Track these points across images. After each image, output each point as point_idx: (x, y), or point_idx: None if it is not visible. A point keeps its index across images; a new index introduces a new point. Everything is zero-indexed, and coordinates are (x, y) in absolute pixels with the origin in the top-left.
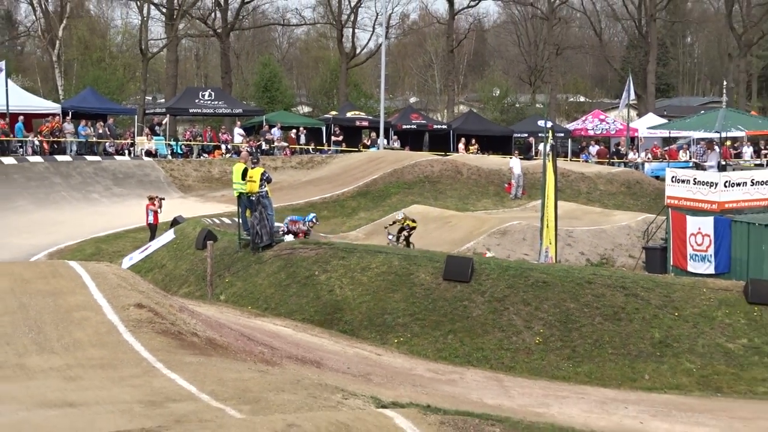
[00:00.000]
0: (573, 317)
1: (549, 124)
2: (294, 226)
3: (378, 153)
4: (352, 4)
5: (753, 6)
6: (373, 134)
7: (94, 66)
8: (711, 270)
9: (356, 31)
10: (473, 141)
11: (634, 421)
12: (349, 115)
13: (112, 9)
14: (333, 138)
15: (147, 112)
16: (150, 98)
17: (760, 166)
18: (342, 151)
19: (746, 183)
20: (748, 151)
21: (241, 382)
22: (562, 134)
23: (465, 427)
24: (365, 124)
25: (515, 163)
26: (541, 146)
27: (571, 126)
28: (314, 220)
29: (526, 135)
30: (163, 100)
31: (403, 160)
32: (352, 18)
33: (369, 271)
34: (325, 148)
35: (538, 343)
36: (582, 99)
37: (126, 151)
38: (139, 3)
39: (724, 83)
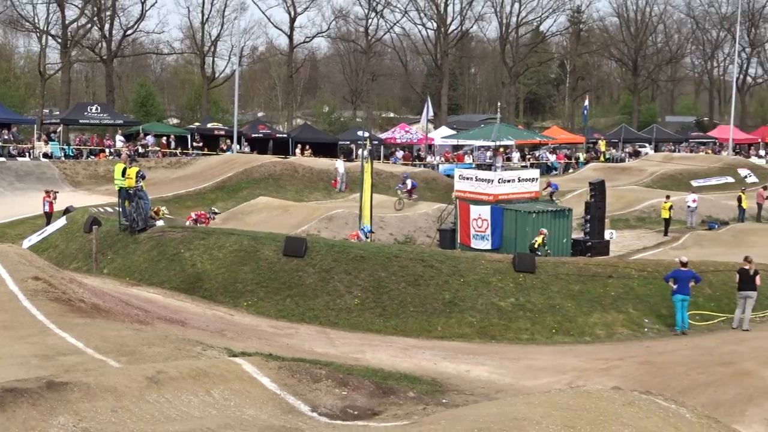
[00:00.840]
0: (383, 283)
1: (366, 134)
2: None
3: (232, 156)
4: (212, 38)
5: (520, 46)
6: (228, 141)
7: (0, 84)
8: (488, 246)
9: (216, 59)
10: (307, 147)
11: (429, 363)
12: (209, 125)
13: (17, 38)
14: (195, 144)
15: (44, 122)
16: (47, 111)
17: (525, 167)
18: (203, 155)
19: (514, 180)
20: (516, 155)
21: (120, 338)
22: (377, 142)
23: (298, 370)
24: (222, 133)
25: (340, 164)
26: (360, 151)
27: (383, 135)
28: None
29: (348, 142)
30: (58, 113)
31: (252, 162)
32: (212, 49)
33: (224, 249)
34: (190, 152)
35: (356, 304)
36: (392, 115)
37: (27, 154)
38: (38, 34)
39: (499, 104)
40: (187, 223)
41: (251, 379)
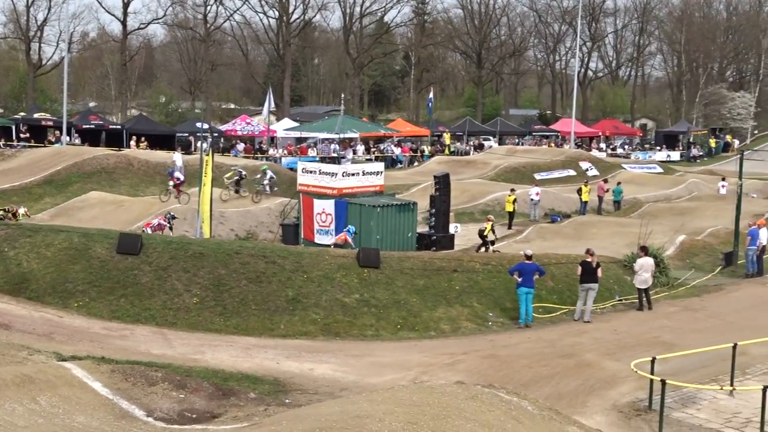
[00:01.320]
0: (224, 281)
1: (206, 126)
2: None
3: (62, 148)
4: (39, 23)
5: (365, 36)
6: (57, 132)
7: None
8: (332, 241)
9: (42, 45)
10: (143, 139)
11: (272, 362)
12: (36, 116)
13: None
14: (21, 135)
15: None
16: None
17: (370, 160)
18: (30, 147)
19: (359, 173)
20: (360, 148)
21: None
22: (216, 134)
23: (132, 373)
24: (50, 123)
25: (177, 157)
26: (199, 143)
27: (223, 127)
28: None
29: (186, 134)
30: None
31: (83, 154)
32: (38, 34)
33: (52, 247)
34: (15, 143)
35: (195, 303)
36: (232, 106)
37: None
38: None
39: (343, 96)
40: (147, 231)
41: (81, 385)
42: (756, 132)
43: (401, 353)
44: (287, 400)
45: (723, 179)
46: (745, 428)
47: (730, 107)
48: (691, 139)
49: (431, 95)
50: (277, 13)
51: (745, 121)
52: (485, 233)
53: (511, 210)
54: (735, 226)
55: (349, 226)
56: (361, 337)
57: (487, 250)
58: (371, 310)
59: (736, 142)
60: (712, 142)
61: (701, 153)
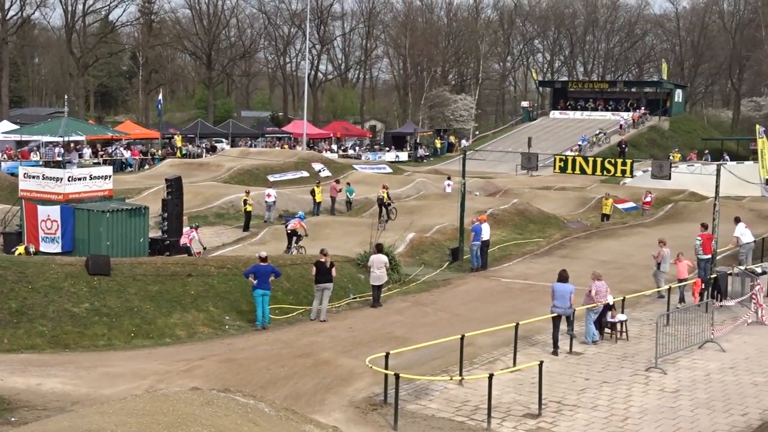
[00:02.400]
0: None
1: None
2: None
3: None
4: None
5: (89, 35)
6: None
7: None
8: (59, 249)
9: None
10: None
11: None
12: None
13: None
14: None
15: None
16: None
17: (98, 164)
18: None
19: (86, 178)
20: (87, 152)
21: None
22: None
23: None
24: None
25: None
26: None
27: None
28: None
29: None
30: None
31: None
32: None
33: None
34: None
35: None
36: None
37: None
38: None
39: (66, 97)
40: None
41: None
42: (477, 133)
43: (136, 362)
44: (13, 419)
45: (448, 178)
46: (474, 415)
47: (453, 109)
48: (417, 140)
49: (160, 97)
50: None
51: (467, 123)
52: (384, 200)
53: (250, 210)
54: (460, 222)
55: (300, 212)
56: (93, 347)
57: (389, 216)
58: (103, 319)
59: (465, 142)
60: (438, 143)
61: (427, 153)
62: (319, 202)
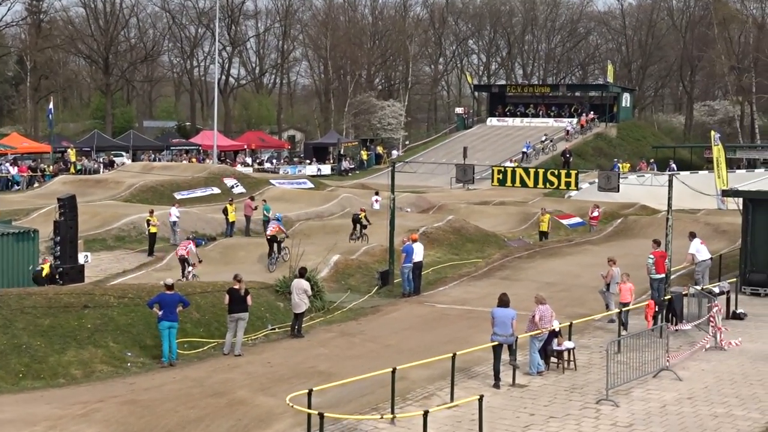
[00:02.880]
0: None
1: None
2: None
3: None
4: None
5: None
6: None
7: None
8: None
9: None
10: None
11: None
12: None
13: None
14: None
15: None
16: None
17: None
18: None
19: None
20: None
21: None
22: None
23: None
24: None
25: None
26: None
27: None
28: None
29: None
30: None
31: None
32: None
33: None
34: None
35: None
36: None
37: None
38: None
39: None
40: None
41: None
42: (407, 142)
43: (25, 406)
44: None
45: (376, 193)
46: None
47: (381, 117)
48: (341, 151)
49: (51, 105)
50: None
51: (396, 131)
52: (361, 217)
53: (154, 232)
54: (389, 242)
55: (278, 214)
56: None
57: (361, 235)
58: None
59: (395, 152)
60: (364, 154)
61: (353, 166)
62: (233, 222)
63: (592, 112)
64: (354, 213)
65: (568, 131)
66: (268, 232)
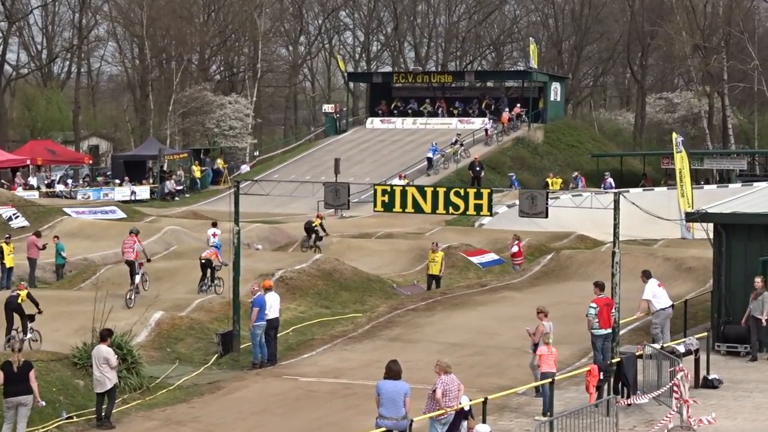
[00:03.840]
0: None
1: None
2: None
3: None
4: None
5: None
6: None
7: None
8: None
9: None
10: None
11: None
12: None
13: None
14: None
15: None
16: None
17: None
18: None
19: None
20: None
21: None
22: None
23: None
24: None
25: None
26: None
27: None
28: None
29: None
30: None
31: None
32: None
33: None
34: None
35: None
36: None
37: None
38: None
39: None
40: None
41: None
42: (257, 153)
43: None
44: None
45: (214, 225)
46: None
47: (219, 118)
48: (164, 167)
49: None
50: None
51: (242, 139)
52: (314, 225)
53: None
54: (233, 293)
55: (216, 240)
56: None
57: (314, 245)
58: None
59: (245, 167)
60: (197, 171)
61: (181, 187)
62: (11, 268)
63: (518, 105)
64: (307, 220)
65: (487, 131)
66: (203, 255)
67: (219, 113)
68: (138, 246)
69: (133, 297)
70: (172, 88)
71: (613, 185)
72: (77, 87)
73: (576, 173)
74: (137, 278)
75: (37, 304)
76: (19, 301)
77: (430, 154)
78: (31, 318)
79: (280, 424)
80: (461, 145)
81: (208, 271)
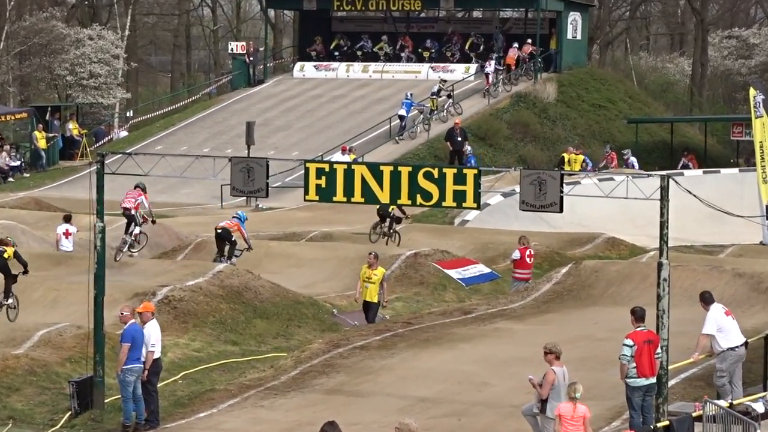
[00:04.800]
0: None
1: None
2: None
3: None
4: None
5: None
6: None
7: None
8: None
9: None
10: None
11: None
12: None
13: None
14: None
15: None
16: None
17: None
18: None
19: None
20: None
21: None
22: None
23: None
24: None
25: None
26: None
27: None
28: None
29: None
30: None
31: None
32: None
33: None
34: None
35: None
36: None
37: None
38: None
39: None
40: None
41: None
42: (131, 114)
43: None
44: None
45: (66, 220)
46: None
47: (75, 60)
48: None
49: None
50: None
51: (109, 92)
52: (391, 210)
53: None
54: (95, 320)
55: (240, 212)
56: None
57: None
58: None
59: (119, 133)
60: (41, 138)
61: (18, 162)
62: None
63: (529, 41)
64: (382, 204)
65: (488, 76)
66: (219, 225)
67: (74, 53)
68: (143, 199)
69: (124, 250)
70: (3, 16)
71: (636, 166)
72: None
73: (608, 148)
74: (136, 229)
75: (25, 265)
76: (6, 256)
77: (402, 111)
78: (15, 279)
79: None
80: (449, 96)
81: (226, 246)
